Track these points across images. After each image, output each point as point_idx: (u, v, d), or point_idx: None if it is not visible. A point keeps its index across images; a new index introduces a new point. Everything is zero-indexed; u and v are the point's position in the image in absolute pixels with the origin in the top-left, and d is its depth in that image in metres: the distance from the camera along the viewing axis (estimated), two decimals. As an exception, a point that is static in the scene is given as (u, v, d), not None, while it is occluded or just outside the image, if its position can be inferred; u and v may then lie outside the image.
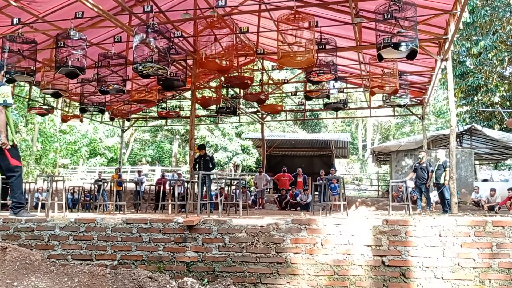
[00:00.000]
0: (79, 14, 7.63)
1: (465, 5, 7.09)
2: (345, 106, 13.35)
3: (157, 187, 13.18)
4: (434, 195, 15.57)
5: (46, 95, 12.35)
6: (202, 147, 10.34)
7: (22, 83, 11.93)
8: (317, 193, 12.11)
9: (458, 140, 18.47)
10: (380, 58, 7.10)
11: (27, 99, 14.31)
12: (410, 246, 4.72)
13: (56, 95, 10.82)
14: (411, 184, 11.84)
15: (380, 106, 14.89)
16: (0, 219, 6.04)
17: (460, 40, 18.81)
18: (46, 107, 13.21)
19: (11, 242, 5.64)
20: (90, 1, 7.18)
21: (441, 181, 9.94)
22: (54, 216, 6.77)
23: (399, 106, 13.48)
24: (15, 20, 8.02)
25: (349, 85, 15.46)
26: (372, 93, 11.33)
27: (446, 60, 8.74)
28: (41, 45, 9.71)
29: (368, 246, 4.81)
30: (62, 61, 8.14)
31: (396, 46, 6.74)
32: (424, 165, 10.67)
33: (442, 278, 4.63)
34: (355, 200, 16.60)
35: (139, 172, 15.65)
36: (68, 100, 14.70)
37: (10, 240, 5.79)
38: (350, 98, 22.42)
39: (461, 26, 7.96)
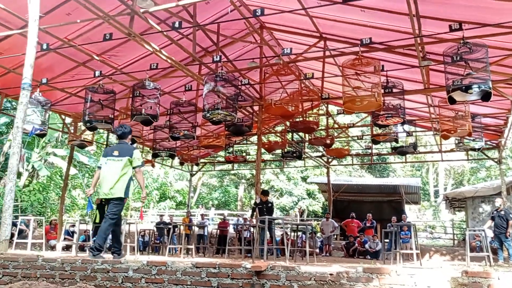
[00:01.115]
0: (153, 66, 8.15)
1: (542, 43, 6.77)
2: (415, 150, 12.93)
3: (218, 230, 13.30)
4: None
5: (122, 142, 13.08)
6: (266, 193, 10.27)
7: (101, 131, 12.78)
8: (387, 240, 11.61)
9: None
10: (452, 101, 6.87)
11: (104, 146, 15.22)
12: (494, 301, 4.36)
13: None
14: (490, 234, 11.08)
15: (452, 150, 14.25)
16: (79, 260, 6.35)
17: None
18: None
19: (88, 283, 5.88)
20: (164, 53, 7.66)
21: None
22: (127, 258, 7.01)
23: (473, 149, 12.84)
24: (97, 73, 8.69)
25: (418, 129, 15.01)
26: (445, 137, 10.92)
27: (524, 100, 8.30)
28: (119, 94, 10.40)
29: (446, 299, 4.50)
30: (137, 110, 8.63)
31: (467, 88, 6.51)
32: (503, 212, 10.02)
33: (533, 338, 4.20)
34: (429, 249, 15.68)
35: (202, 215, 15.91)
36: (141, 146, 15.47)
37: (87, 280, 6.04)
38: (419, 142, 21.70)
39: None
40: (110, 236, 6.08)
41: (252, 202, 14.23)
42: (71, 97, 10.83)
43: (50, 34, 7.67)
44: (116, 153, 5.83)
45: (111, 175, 5.72)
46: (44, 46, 7.48)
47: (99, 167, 5.92)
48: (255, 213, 10.07)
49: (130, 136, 6.25)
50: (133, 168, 5.81)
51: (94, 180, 6.02)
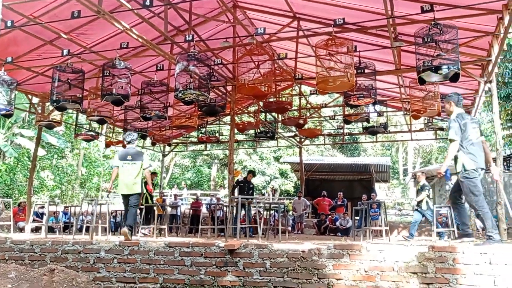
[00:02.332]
0: (124, 44, 7.95)
1: (509, 26, 6.94)
2: (385, 129, 13.16)
3: (191, 210, 13.31)
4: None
5: (92, 122, 12.84)
6: (254, 174, 10.76)
7: (70, 111, 12.49)
8: (357, 218, 11.88)
9: (505, 163, 17.74)
10: (422, 81, 7.00)
11: (74, 126, 14.90)
12: (459, 274, 4.55)
13: (101, 122, 11.24)
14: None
15: (421, 130, 14.57)
16: (49, 241, 6.26)
17: (503, 62, 18.27)
18: (91, 133, 13.70)
19: (59, 264, 5.82)
20: (134, 32, 7.49)
21: (422, 205, 10.06)
22: (99, 239, 6.96)
23: (441, 129, 13.16)
24: (65, 51, 8.42)
25: (389, 109, 15.26)
26: (415, 117, 11.15)
27: (490, 82, 8.52)
28: (88, 74, 10.14)
29: (413, 273, 4.67)
30: (107, 89, 8.44)
31: (437, 69, 6.64)
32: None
33: (494, 308, 4.42)
34: (397, 225, 16.15)
35: (175, 196, 15.87)
36: (112, 126, 15.21)
37: (58, 262, 5.98)
38: (390, 122, 22.11)
39: (505, 47, 7.78)
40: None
41: (226, 182, 14.24)
42: (38, 76, 10.50)
43: (14, 11, 7.37)
44: (129, 157, 7.38)
45: (128, 177, 7.28)
46: (9, 24, 7.20)
47: (116, 166, 7.42)
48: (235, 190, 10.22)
49: (136, 141, 7.98)
50: (143, 169, 7.43)
51: (112, 177, 7.62)
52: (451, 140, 5.34)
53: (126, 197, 7.42)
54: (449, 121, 5.50)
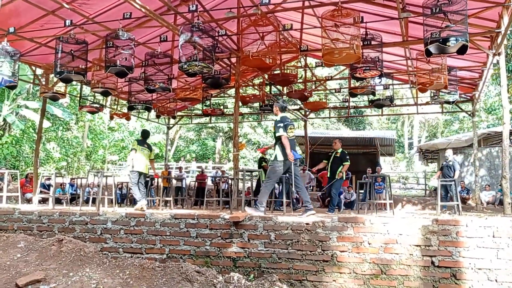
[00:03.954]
0: (127, 15, 7.85)
1: (521, -4, 6.79)
2: (391, 103, 13.06)
3: (197, 183, 13.40)
4: (485, 195, 15.01)
5: (96, 94, 12.81)
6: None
7: (74, 83, 12.45)
8: (361, 191, 11.94)
9: (511, 137, 17.67)
10: (428, 53, 6.90)
11: (78, 98, 14.88)
12: (462, 247, 4.59)
13: (105, 94, 11.21)
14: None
15: (427, 103, 14.46)
16: (57, 212, 6.35)
17: (514, 33, 17.95)
18: (96, 105, 13.69)
19: (67, 235, 5.92)
20: (137, 1, 7.38)
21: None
22: (105, 210, 7.05)
23: (448, 102, 13.03)
24: (68, 22, 8.33)
25: (395, 82, 15.10)
26: (422, 90, 11.05)
27: (499, 54, 8.39)
28: (91, 45, 10.06)
29: (417, 246, 4.72)
30: (111, 61, 8.38)
31: (445, 41, 6.53)
32: (451, 163, 10.75)
33: (496, 280, 4.48)
34: (401, 199, 16.24)
35: (180, 168, 15.97)
36: (116, 99, 15.19)
37: (66, 232, 6.07)
38: (396, 95, 21.93)
39: (515, 18, 7.62)
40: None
41: (231, 155, 14.23)
42: (41, 47, 10.43)
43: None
44: (145, 145, 8.79)
45: (145, 160, 8.60)
46: (10, -7, 7.11)
47: (134, 150, 8.54)
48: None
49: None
50: (150, 159, 8.76)
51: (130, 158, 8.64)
52: (280, 137, 6.81)
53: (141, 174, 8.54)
54: (276, 122, 6.98)
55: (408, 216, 6.71)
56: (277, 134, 6.89)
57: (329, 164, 9.48)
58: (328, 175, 9.54)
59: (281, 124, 6.88)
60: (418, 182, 28.39)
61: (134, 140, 9.89)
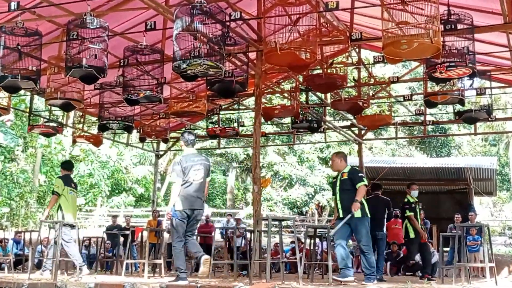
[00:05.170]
0: (98, -8, 8.03)
1: None
2: (489, 116, 12.94)
3: (199, 238, 13.35)
4: None
5: (53, 108, 12.97)
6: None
7: (22, 92, 12.66)
8: (447, 249, 11.75)
9: None
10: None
11: (27, 114, 15.13)
12: None
13: (66, 108, 11.33)
14: None
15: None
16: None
17: None
18: (52, 124, 13.85)
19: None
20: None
21: None
22: (65, 279, 7.08)
23: None
24: (13, 5, 8.49)
25: (494, 84, 14.99)
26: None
27: None
28: (46, 37, 10.25)
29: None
30: (75, 60, 8.50)
31: None
32: None
33: None
34: (509, 261, 15.94)
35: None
36: (82, 114, 15.37)
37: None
38: (496, 104, 21.72)
39: None
40: None
41: (250, 195, 14.08)
42: (-25, 41, 10.73)
43: None
44: (72, 185, 9.68)
45: (75, 206, 9.67)
46: None
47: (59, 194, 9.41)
48: None
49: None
50: None
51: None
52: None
53: None
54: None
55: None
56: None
57: (337, 195, 8.40)
58: (340, 215, 8.16)
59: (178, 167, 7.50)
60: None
61: (56, 179, 10.00)
